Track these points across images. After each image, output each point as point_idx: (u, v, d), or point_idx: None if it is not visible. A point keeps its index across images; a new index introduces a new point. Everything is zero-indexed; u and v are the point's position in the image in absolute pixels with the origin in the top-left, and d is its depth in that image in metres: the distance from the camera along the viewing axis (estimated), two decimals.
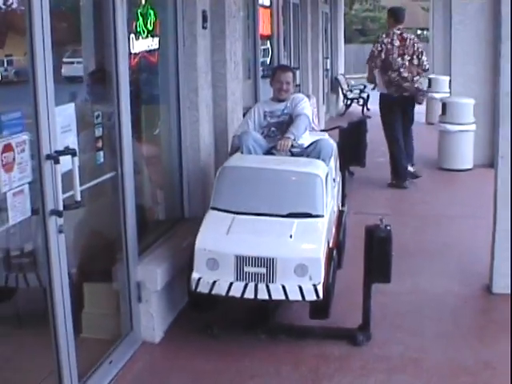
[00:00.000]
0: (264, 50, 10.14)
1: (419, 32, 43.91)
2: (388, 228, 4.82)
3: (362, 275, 4.88)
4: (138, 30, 5.05)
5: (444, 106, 10.87)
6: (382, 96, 9.84)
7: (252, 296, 4.62)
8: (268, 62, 10.31)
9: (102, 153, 4.39)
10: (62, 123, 3.79)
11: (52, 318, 3.80)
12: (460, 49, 10.95)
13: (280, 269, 4.59)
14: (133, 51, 4.97)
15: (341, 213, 6.09)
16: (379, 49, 9.45)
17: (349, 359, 4.74)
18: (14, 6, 4.36)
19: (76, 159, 3.73)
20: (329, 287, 4.70)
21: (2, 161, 3.31)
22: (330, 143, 5.66)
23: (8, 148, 3.35)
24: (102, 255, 4.99)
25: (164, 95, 5.86)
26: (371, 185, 10.13)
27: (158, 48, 5.45)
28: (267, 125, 5.85)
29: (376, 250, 4.78)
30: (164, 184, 6.01)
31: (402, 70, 9.44)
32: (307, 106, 5.86)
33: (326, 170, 5.27)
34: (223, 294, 4.65)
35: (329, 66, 17.27)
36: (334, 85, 17.94)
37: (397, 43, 9.45)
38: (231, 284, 4.63)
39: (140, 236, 5.03)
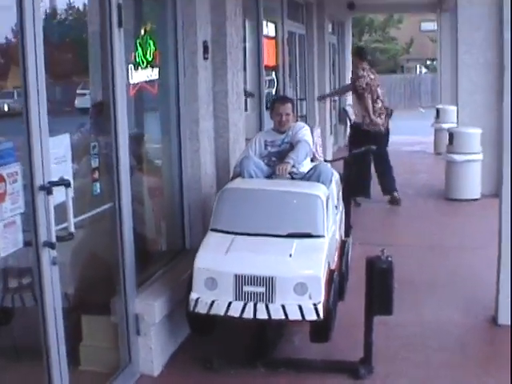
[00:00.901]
0: (270, 80, 10.14)
1: (428, 62, 44.10)
2: (389, 259, 4.76)
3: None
4: (137, 60, 5.05)
5: (451, 135, 10.82)
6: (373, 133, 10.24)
7: (251, 316, 4.56)
8: (273, 93, 10.31)
9: (98, 184, 4.36)
10: (56, 154, 3.77)
11: (45, 351, 3.75)
12: (467, 78, 10.92)
13: (279, 288, 4.54)
14: (132, 82, 4.96)
15: (343, 243, 6.00)
16: (367, 80, 10.14)
17: None
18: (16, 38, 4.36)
19: (70, 190, 3.70)
20: (329, 307, 4.64)
21: None
22: (329, 168, 5.64)
23: None
24: (100, 287, 4.95)
25: (165, 125, 5.86)
26: (378, 215, 10.08)
27: (158, 78, 5.43)
28: (268, 154, 5.82)
29: (377, 282, 4.71)
30: (165, 215, 5.97)
31: (381, 98, 10.38)
32: (307, 134, 5.85)
33: (326, 193, 5.26)
34: (221, 314, 4.59)
35: (336, 97, 17.26)
36: (342, 115, 17.88)
37: (372, 76, 10.29)
38: (230, 304, 4.57)
39: (139, 268, 5.00)
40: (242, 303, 4.57)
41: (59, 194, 3.67)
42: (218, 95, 6.23)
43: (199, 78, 5.80)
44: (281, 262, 4.66)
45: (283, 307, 4.53)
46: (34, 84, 3.52)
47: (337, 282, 4.93)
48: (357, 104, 10.47)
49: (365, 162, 8.37)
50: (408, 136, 19.22)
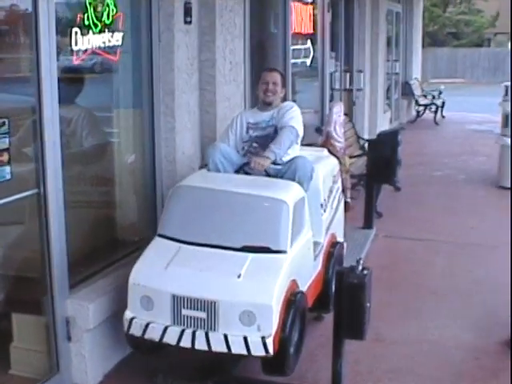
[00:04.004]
0: (305, 49, 9.27)
1: None
2: (364, 272, 3.93)
3: None
4: (87, 23, 4.31)
5: (506, 117, 9.76)
6: None
7: (189, 345, 3.85)
8: (308, 64, 9.44)
9: (7, 168, 3.67)
10: None
11: None
12: None
13: (222, 315, 3.82)
14: (76, 48, 4.23)
15: (334, 244, 5.14)
16: None
17: None
18: None
19: None
20: (284, 341, 3.88)
21: None
22: (309, 162, 4.72)
23: None
24: (30, 284, 4.31)
25: (130, 98, 5.12)
26: (417, 203, 9.11)
27: (121, 44, 4.69)
28: (249, 139, 4.93)
29: (345, 299, 3.90)
30: (131, 200, 5.26)
31: None
32: (295, 116, 4.88)
33: (299, 195, 4.41)
34: (157, 339, 3.91)
35: (398, 70, 16.15)
36: (406, 90, 16.80)
37: None
38: (166, 328, 3.88)
39: (85, 262, 4.48)
40: (179, 329, 3.86)
41: None
42: (205, 65, 5.43)
43: (176, 45, 5.02)
44: (226, 283, 3.88)
45: (225, 338, 3.79)
46: None
47: (300, 306, 4.11)
48: None
49: (390, 145, 7.36)
50: (480, 114, 18.06)
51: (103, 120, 4.96)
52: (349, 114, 10.05)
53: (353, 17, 11.34)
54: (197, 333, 3.82)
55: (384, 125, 13.43)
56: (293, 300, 3.99)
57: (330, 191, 5.10)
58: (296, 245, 4.21)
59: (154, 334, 3.89)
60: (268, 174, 4.64)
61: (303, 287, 4.30)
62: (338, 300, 3.94)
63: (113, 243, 5.01)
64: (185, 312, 3.85)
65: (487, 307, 5.57)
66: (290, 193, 4.36)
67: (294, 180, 4.52)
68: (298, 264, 4.23)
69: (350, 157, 8.40)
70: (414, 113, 17.56)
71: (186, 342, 3.84)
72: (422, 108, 17.28)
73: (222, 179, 4.58)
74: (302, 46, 9.12)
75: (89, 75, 4.67)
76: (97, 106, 4.86)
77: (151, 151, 5.12)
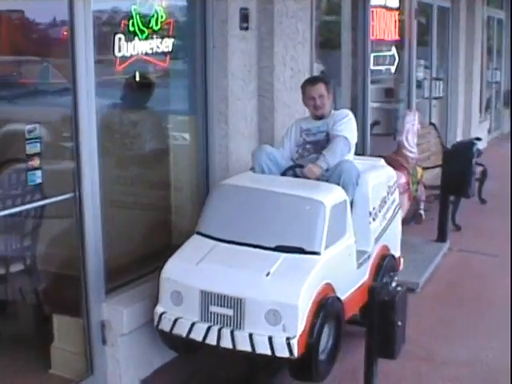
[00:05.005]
0: (389, 56, 9.07)
1: None
2: (398, 289, 3.79)
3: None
4: (132, 29, 4.34)
5: None
6: None
7: (214, 342, 3.78)
8: (393, 71, 9.23)
9: (38, 172, 3.75)
10: None
11: None
12: None
13: (249, 313, 3.73)
14: (120, 54, 4.27)
15: (385, 256, 4.94)
16: None
17: None
18: None
19: None
20: (311, 344, 3.74)
21: None
22: (356, 168, 4.61)
23: None
24: (70, 286, 4.38)
25: (183, 104, 5.12)
26: (501, 217, 8.68)
27: (172, 50, 4.70)
28: (303, 142, 4.91)
29: (376, 316, 3.77)
30: (181, 206, 5.25)
31: None
32: (349, 126, 4.78)
33: (340, 199, 4.27)
34: (183, 335, 3.87)
35: (498, 78, 15.57)
36: (507, 98, 16.15)
37: None
38: (193, 324, 3.83)
39: (128, 267, 4.56)
40: (206, 326, 3.81)
41: None
42: (264, 71, 5.37)
43: (231, 51, 4.99)
44: (254, 281, 3.79)
45: (250, 337, 3.70)
46: None
47: (333, 312, 3.96)
48: None
49: (465, 156, 7.01)
50: None
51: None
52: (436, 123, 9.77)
53: (446, 23, 11.01)
54: (223, 330, 3.75)
55: (480, 134, 12.94)
56: (324, 304, 3.84)
57: (384, 201, 4.93)
58: (333, 248, 4.09)
59: (181, 330, 3.85)
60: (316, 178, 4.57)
61: (342, 294, 4.15)
62: (370, 317, 3.81)
63: (158, 249, 5.00)
64: (212, 309, 3.80)
65: None
66: (328, 195, 4.24)
67: (338, 184, 4.43)
68: (335, 268, 4.10)
69: (434, 166, 8.15)
70: None
71: (211, 340, 3.77)
72: None
73: (264, 180, 4.53)
74: (387, 53, 8.92)
75: (136, 81, 4.70)
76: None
77: (205, 158, 5.11)
